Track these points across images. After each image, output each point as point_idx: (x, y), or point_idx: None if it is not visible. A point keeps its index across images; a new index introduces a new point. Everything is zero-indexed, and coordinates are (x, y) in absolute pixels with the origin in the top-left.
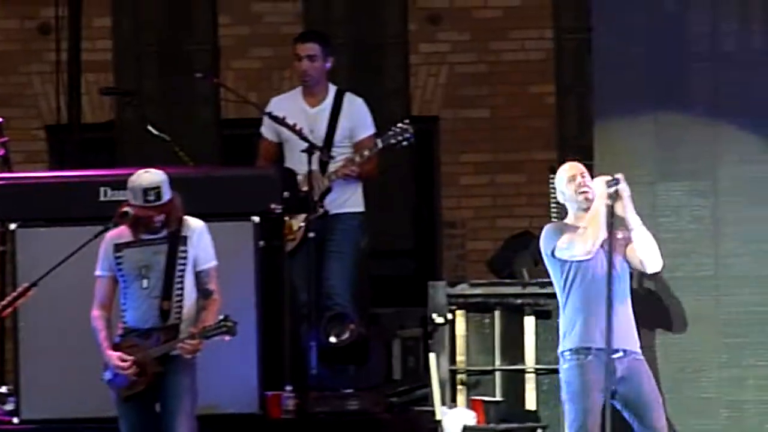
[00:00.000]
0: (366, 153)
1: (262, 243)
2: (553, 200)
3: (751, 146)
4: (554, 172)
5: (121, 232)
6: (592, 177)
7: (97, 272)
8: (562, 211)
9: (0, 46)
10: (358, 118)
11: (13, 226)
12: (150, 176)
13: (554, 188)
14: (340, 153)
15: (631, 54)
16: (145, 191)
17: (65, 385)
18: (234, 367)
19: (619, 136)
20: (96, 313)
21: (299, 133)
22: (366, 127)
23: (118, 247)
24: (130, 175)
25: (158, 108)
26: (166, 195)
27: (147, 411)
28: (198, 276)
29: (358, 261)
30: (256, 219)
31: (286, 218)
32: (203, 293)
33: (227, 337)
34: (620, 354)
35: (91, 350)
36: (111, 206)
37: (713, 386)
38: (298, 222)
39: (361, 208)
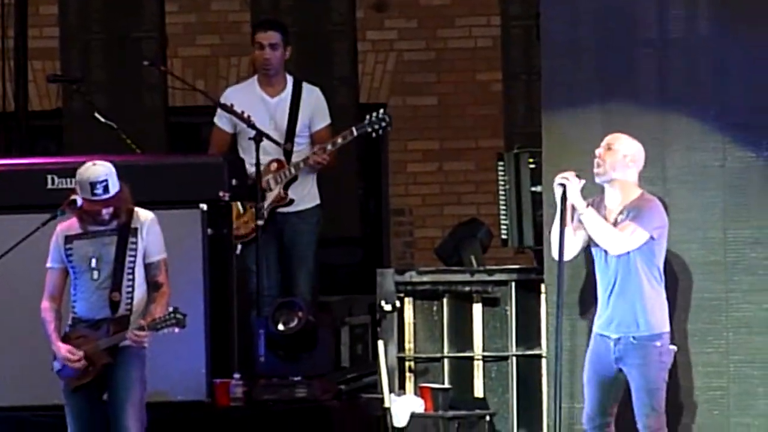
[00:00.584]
0: (339, 141)
1: (210, 231)
2: (502, 187)
3: (699, 133)
4: (502, 160)
5: (71, 224)
6: (541, 165)
7: (48, 264)
8: (510, 198)
9: None
10: (316, 108)
11: None
12: (97, 169)
13: (503, 175)
14: (300, 143)
15: (579, 41)
16: (93, 185)
17: (15, 372)
18: (182, 355)
19: (567, 123)
20: (45, 304)
21: (248, 122)
22: (324, 118)
23: (68, 239)
24: (78, 162)
25: (105, 95)
26: (114, 188)
27: (94, 401)
28: (147, 268)
29: (317, 256)
30: (204, 207)
31: (250, 206)
32: (153, 285)
33: (176, 330)
34: (617, 336)
35: (41, 339)
36: (59, 194)
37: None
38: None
39: (318, 201)
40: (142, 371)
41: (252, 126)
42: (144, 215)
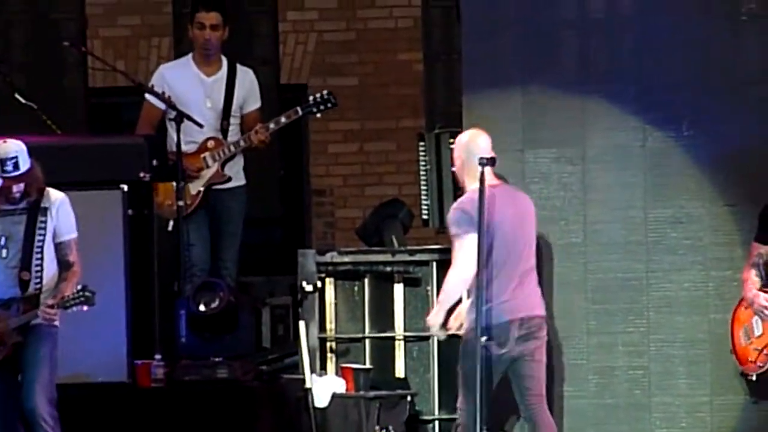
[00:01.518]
0: (283, 120)
1: (131, 211)
2: (423, 167)
3: (619, 114)
4: (423, 140)
5: None
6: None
7: None
8: (432, 178)
9: None
10: (250, 90)
11: None
12: (7, 146)
13: (424, 155)
14: (233, 123)
15: (500, 21)
16: (2, 161)
17: None
18: (103, 336)
19: (488, 103)
20: None
21: (169, 102)
22: (256, 100)
23: None
24: None
25: (26, 76)
26: (24, 165)
27: (8, 381)
28: (58, 247)
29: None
30: (125, 187)
31: (183, 183)
32: (63, 265)
33: (85, 307)
34: None
35: None
36: None
37: (582, 353)
38: (196, 187)
39: (244, 181)
40: (52, 349)
41: (172, 107)
42: (55, 195)
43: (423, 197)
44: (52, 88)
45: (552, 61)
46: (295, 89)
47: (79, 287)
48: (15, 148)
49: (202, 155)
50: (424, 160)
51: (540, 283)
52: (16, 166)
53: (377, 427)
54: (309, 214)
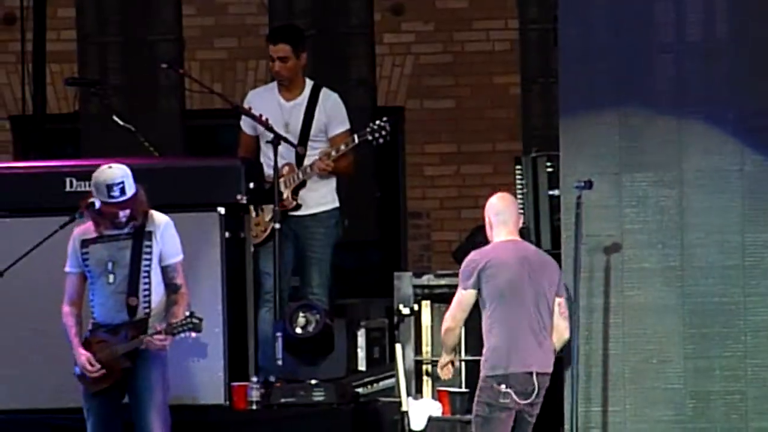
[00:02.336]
0: (342, 148)
1: (227, 234)
2: (519, 191)
3: (716, 137)
4: (519, 163)
5: (87, 228)
6: (558, 168)
7: (67, 269)
8: (528, 202)
9: None
10: (333, 112)
11: None
12: (113, 172)
13: (521, 179)
14: (315, 147)
15: (597, 44)
16: (109, 187)
17: (31, 375)
18: (200, 358)
19: (584, 127)
20: (66, 309)
21: (265, 125)
22: (341, 123)
23: (85, 243)
24: (96, 165)
25: (123, 98)
26: (130, 190)
27: (114, 405)
28: (164, 271)
29: (334, 260)
30: (222, 210)
31: (258, 210)
32: (171, 288)
33: (193, 334)
34: None
35: (54, 342)
36: (76, 197)
37: (679, 377)
38: (269, 213)
39: (336, 204)
40: (163, 373)
41: (269, 129)
42: (159, 218)
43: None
44: (149, 111)
45: (648, 84)
46: (391, 112)
47: (187, 313)
48: (121, 173)
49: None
50: (521, 184)
51: (636, 307)
52: (122, 192)
53: None
54: (405, 237)
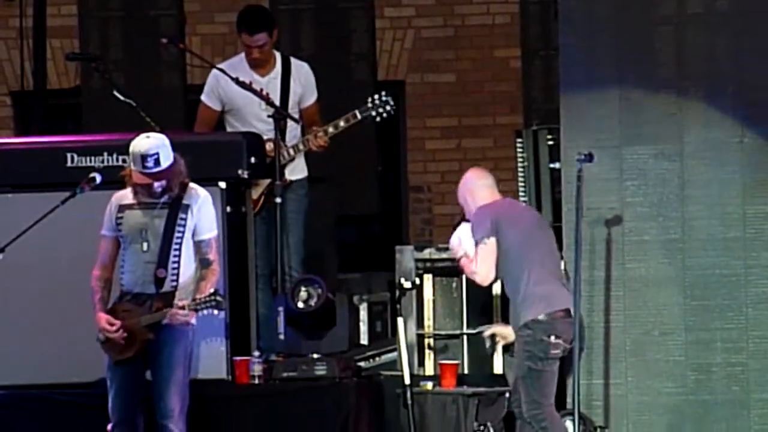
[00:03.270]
0: (342, 124)
1: (228, 209)
2: (521, 164)
3: (716, 110)
4: (521, 137)
5: (126, 194)
6: (559, 141)
7: (102, 231)
8: (529, 175)
9: None
10: (306, 83)
11: None
12: (149, 142)
13: (522, 152)
14: (290, 123)
15: (597, 18)
16: (144, 158)
17: (35, 351)
18: (202, 333)
19: (585, 100)
20: (95, 272)
21: (267, 99)
22: (312, 93)
23: (121, 209)
24: (97, 141)
25: (124, 73)
26: (166, 161)
27: (135, 377)
28: (197, 245)
29: (307, 227)
30: (223, 185)
31: (254, 183)
32: (203, 263)
33: (216, 312)
34: None
35: (57, 317)
36: (78, 172)
37: (680, 349)
38: (258, 191)
39: (305, 174)
40: (186, 350)
41: (271, 104)
42: (198, 191)
43: (521, 194)
44: (150, 86)
45: (649, 57)
46: (392, 85)
47: (211, 290)
48: (157, 143)
49: None
50: (522, 157)
51: (637, 279)
52: (156, 163)
53: (475, 424)
54: (407, 211)
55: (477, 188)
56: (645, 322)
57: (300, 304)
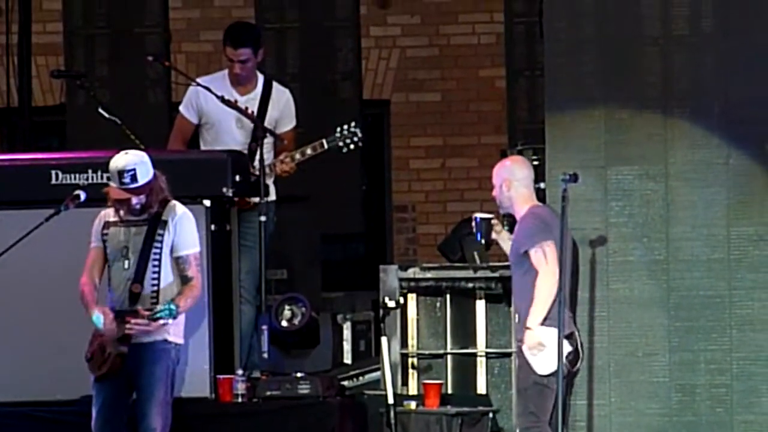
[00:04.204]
0: (309, 152)
1: (213, 227)
2: None
3: (702, 131)
4: (505, 156)
5: (112, 211)
6: (544, 161)
7: (92, 243)
8: None
9: None
10: (284, 109)
11: None
12: (126, 158)
13: None
14: (264, 143)
15: (582, 38)
16: (120, 173)
17: (17, 367)
18: (186, 351)
19: (570, 120)
20: (83, 279)
21: (251, 117)
22: (290, 120)
23: (107, 225)
24: (82, 158)
25: (109, 91)
26: (144, 178)
27: (118, 395)
28: (176, 261)
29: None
30: (207, 203)
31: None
32: (182, 279)
33: (171, 321)
34: None
35: (41, 334)
36: (62, 189)
37: (664, 370)
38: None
39: (273, 198)
40: (167, 369)
41: (255, 122)
42: (177, 208)
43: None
44: (135, 103)
45: (635, 78)
46: (377, 105)
47: (168, 300)
48: (134, 160)
49: None
50: None
51: (621, 300)
52: (133, 179)
53: None
54: (391, 230)
55: (519, 185)
56: (629, 342)
57: (284, 323)
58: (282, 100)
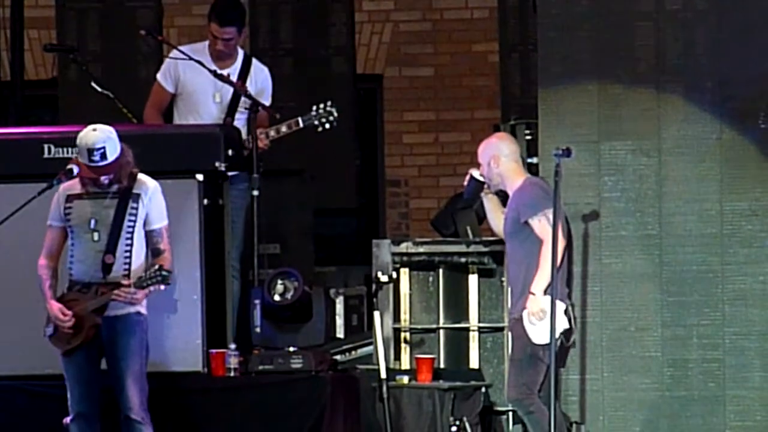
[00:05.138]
0: (284, 130)
1: (205, 201)
2: None
3: (695, 106)
4: (498, 131)
5: (74, 184)
6: (537, 136)
7: (48, 222)
8: None
9: None
10: (262, 87)
11: None
12: (96, 135)
13: None
14: (239, 118)
15: (576, 13)
16: (90, 151)
17: (11, 341)
18: (178, 326)
19: (563, 95)
20: (42, 262)
21: (244, 92)
22: (266, 99)
23: (69, 198)
24: (74, 132)
25: (101, 65)
26: (113, 154)
27: (91, 367)
28: (148, 235)
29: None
30: (200, 177)
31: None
32: (154, 252)
33: (162, 287)
34: None
35: (33, 308)
36: (55, 163)
37: (656, 345)
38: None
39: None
40: (142, 340)
41: (248, 96)
42: (147, 182)
43: None
44: (127, 77)
45: (628, 52)
46: (370, 79)
47: (155, 267)
48: (103, 137)
49: None
50: None
51: (614, 274)
52: (103, 156)
53: (451, 419)
54: (383, 205)
55: (508, 160)
56: (621, 317)
57: (276, 297)
58: (260, 77)
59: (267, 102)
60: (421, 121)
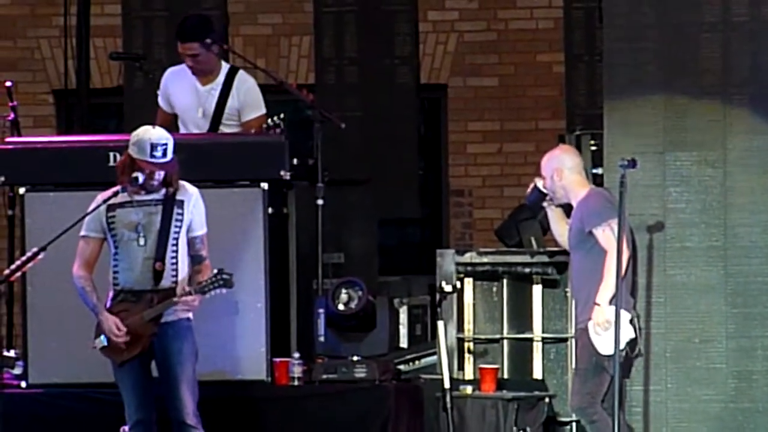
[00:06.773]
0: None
1: (270, 210)
2: None
3: (761, 117)
4: (563, 141)
5: (113, 193)
6: (602, 147)
7: (83, 233)
8: None
9: (9, 11)
10: (247, 98)
11: (22, 190)
12: (158, 131)
13: None
14: (223, 131)
15: (642, 23)
16: (153, 146)
17: (73, 349)
18: (243, 334)
19: (629, 105)
20: (81, 273)
21: (305, 99)
22: (255, 108)
23: (111, 208)
24: None
25: None
26: (172, 153)
27: (146, 374)
28: (191, 241)
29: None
30: (265, 186)
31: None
32: (196, 258)
33: (224, 291)
34: None
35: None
36: None
37: (721, 356)
38: None
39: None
40: (192, 344)
41: (309, 106)
42: (190, 189)
43: None
44: None
45: (694, 63)
46: (434, 89)
47: (215, 270)
48: (165, 135)
49: None
50: None
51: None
52: (164, 153)
53: (515, 429)
54: (447, 215)
55: (572, 173)
56: (686, 329)
57: (341, 306)
58: (242, 89)
59: (257, 111)
60: (486, 131)
